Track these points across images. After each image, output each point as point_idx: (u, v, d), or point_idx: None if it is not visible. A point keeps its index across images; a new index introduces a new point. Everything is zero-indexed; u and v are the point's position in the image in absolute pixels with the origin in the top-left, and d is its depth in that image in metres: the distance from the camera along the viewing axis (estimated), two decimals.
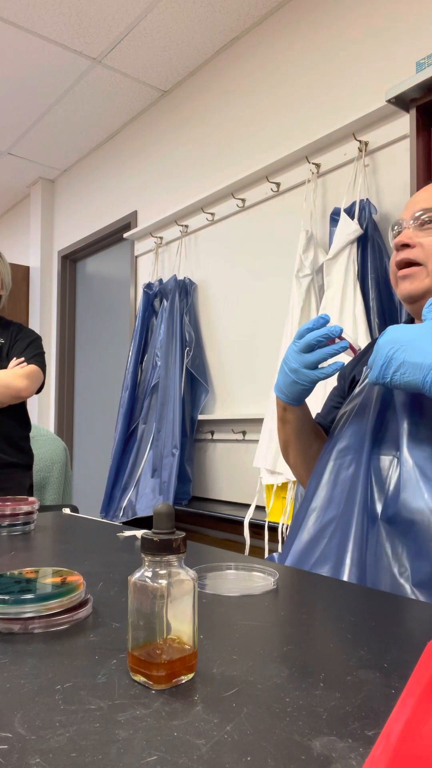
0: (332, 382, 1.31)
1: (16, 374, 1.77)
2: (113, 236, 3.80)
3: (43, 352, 1.92)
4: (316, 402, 1.91)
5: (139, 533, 1.00)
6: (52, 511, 1.34)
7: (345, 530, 0.88)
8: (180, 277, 3.04)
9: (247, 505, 2.42)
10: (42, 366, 1.87)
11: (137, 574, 0.45)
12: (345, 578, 0.84)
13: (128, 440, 3.07)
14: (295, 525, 0.99)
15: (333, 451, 0.99)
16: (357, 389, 1.07)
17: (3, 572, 0.63)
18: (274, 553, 1.04)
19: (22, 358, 1.82)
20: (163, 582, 0.44)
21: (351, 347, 0.90)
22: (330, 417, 1.15)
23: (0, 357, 1.84)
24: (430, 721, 0.30)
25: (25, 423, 1.94)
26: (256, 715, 0.38)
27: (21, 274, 4.35)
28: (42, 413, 4.27)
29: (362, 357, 1.14)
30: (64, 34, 2.84)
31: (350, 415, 1.02)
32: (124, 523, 2.76)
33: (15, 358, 1.83)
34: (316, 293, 2.26)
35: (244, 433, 2.72)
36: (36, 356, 1.86)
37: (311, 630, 0.54)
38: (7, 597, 0.54)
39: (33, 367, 1.82)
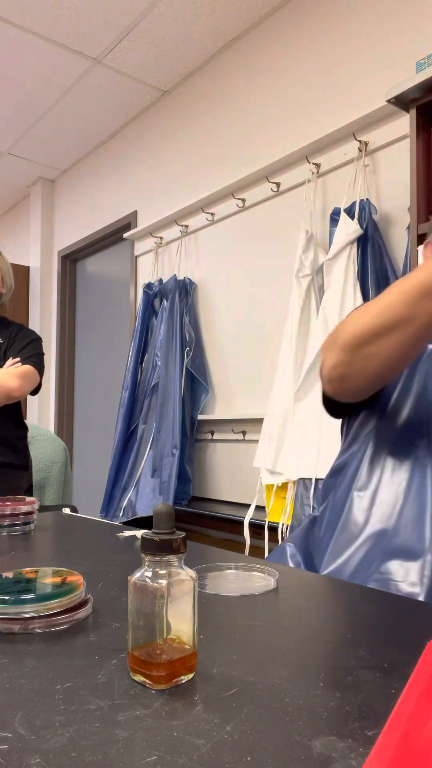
0: None
1: (9, 374, 1.74)
2: (113, 236, 3.80)
3: (42, 353, 1.89)
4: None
5: (139, 533, 1.00)
6: (52, 511, 1.34)
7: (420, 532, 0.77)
8: (180, 277, 3.04)
9: (247, 505, 2.43)
10: (38, 367, 1.84)
11: (137, 574, 0.45)
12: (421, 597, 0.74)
13: (128, 440, 3.07)
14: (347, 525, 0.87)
15: (390, 436, 0.85)
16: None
17: (3, 572, 0.63)
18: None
19: (18, 358, 1.80)
20: (163, 582, 0.43)
21: None
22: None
23: None
24: (430, 721, 0.30)
25: (19, 423, 1.91)
26: (256, 715, 0.38)
27: (21, 274, 4.35)
28: (42, 413, 4.27)
29: None
30: (64, 34, 2.84)
31: (418, 387, 0.87)
32: (124, 523, 2.76)
33: (11, 358, 1.81)
34: (316, 293, 2.26)
35: (244, 433, 2.72)
36: (33, 357, 1.84)
37: (311, 630, 0.54)
38: (7, 597, 0.54)
39: (28, 367, 1.79)
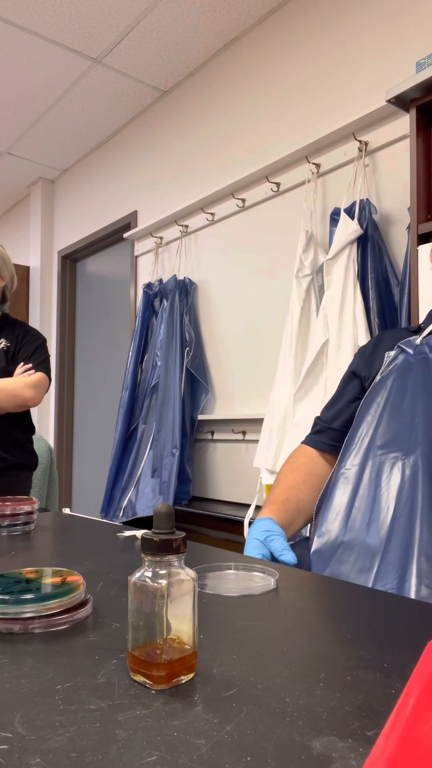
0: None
1: (24, 384, 1.76)
2: (113, 236, 3.80)
3: (49, 356, 1.92)
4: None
5: (139, 533, 1.00)
6: (51, 512, 1.34)
7: (407, 538, 0.82)
8: (180, 277, 3.04)
9: (247, 505, 2.42)
10: (48, 372, 1.87)
11: (137, 574, 0.45)
12: (412, 593, 0.78)
13: (128, 440, 3.06)
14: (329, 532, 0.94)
15: (371, 449, 0.93)
16: (378, 377, 1.01)
17: (3, 572, 0.63)
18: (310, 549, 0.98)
19: (30, 365, 1.81)
20: (163, 582, 0.43)
21: None
22: (344, 419, 1.08)
23: (6, 360, 1.83)
24: (430, 721, 0.30)
25: (29, 425, 1.94)
26: (256, 715, 0.38)
27: (21, 274, 4.35)
28: (42, 413, 4.27)
29: (373, 351, 1.10)
30: (64, 34, 2.84)
31: (382, 407, 0.95)
32: (124, 523, 2.75)
33: (22, 364, 1.81)
34: (316, 293, 2.26)
35: (244, 433, 2.72)
36: (42, 362, 1.86)
37: (311, 630, 0.54)
38: (7, 597, 0.54)
39: (40, 375, 1.81)
